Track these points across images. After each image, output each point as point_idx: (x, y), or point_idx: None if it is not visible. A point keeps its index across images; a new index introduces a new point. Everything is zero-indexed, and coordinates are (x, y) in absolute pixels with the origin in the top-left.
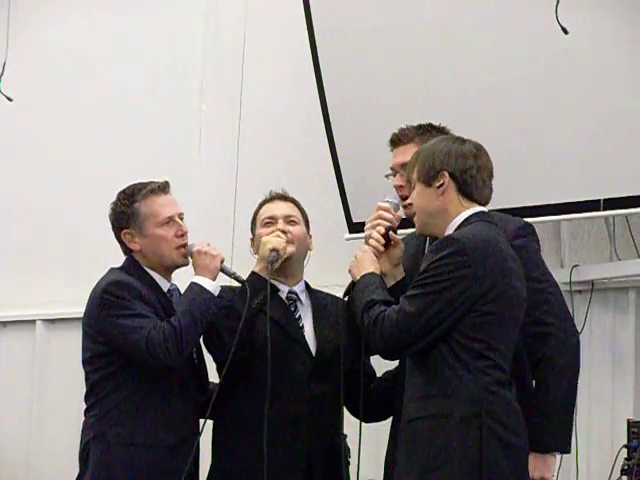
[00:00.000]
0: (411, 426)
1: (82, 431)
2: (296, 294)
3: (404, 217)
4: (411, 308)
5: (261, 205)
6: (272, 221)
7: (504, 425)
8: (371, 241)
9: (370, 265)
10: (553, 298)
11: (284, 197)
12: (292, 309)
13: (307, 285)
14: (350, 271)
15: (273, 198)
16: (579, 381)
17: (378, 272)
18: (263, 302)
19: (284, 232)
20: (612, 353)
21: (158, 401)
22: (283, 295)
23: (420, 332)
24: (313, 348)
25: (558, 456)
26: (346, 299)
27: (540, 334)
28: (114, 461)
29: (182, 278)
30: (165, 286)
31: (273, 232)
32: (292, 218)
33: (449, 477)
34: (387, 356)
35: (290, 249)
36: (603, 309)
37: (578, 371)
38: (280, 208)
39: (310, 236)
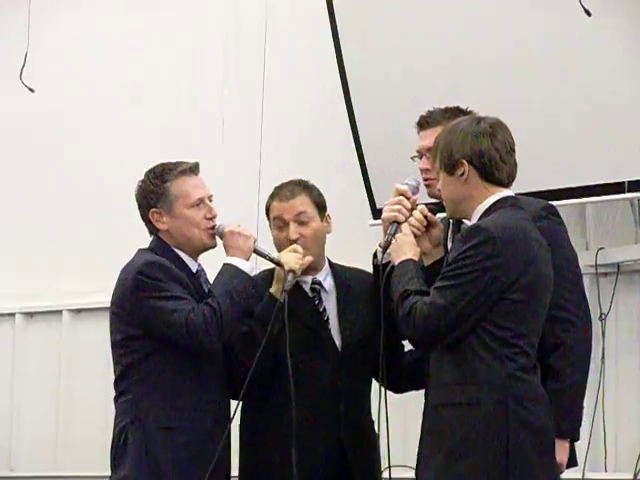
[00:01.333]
0: (437, 412)
1: (116, 416)
2: (320, 283)
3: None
4: (442, 300)
5: (271, 197)
6: (282, 224)
7: (530, 410)
8: (412, 221)
9: (409, 250)
10: (572, 284)
11: (291, 193)
12: (316, 301)
13: (330, 264)
14: (390, 254)
15: (281, 197)
16: (606, 363)
17: (417, 258)
18: (281, 327)
19: (297, 239)
20: (638, 335)
21: (194, 385)
22: (307, 286)
23: (451, 325)
24: (338, 341)
25: (586, 441)
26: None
27: (559, 319)
28: (155, 444)
29: (205, 261)
30: (193, 267)
31: (286, 237)
32: (302, 217)
33: (475, 464)
34: (419, 348)
35: (308, 259)
36: (629, 291)
37: (590, 359)
38: (289, 207)
39: (328, 217)
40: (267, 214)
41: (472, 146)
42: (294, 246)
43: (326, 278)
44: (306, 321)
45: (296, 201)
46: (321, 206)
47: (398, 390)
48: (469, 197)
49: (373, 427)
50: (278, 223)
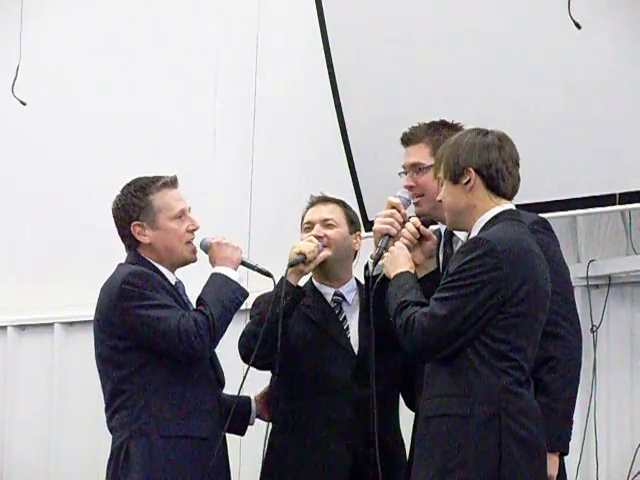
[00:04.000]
0: (430, 423)
1: (113, 431)
2: (342, 296)
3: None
4: (441, 311)
5: (305, 210)
6: (310, 226)
7: (523, 425)
8: (406, 234)
9: (405, 263)
10: (562, 298)
11: (325, 199)
12: (336, 311)
13: (358, 283)
14: (384, 266)
15: (314, 202)
16: (597, 376)
17: (413, 270)
18: (292, 303)
19: (319, 237)
20: (630, 347)
21: (189, 393)
22: (329, 297)
23: (450, 336)
24: (356, 349)
25: (577, 453)
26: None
27: (549, 334)
28: (159, 455)
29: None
30: (172, 280)
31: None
32: (329, 221)
33: (467, 477)
34: (418, 359)
35: (325, 253)
36: (620, 303)
37: (580, 373)
38: (318, 212)
39: (358, 235)
40: (302, 224)
41: (480, 155)
42: (311, 237)
43: (350, 293)
44: (324, 327)
45: (327, 208)
46: (352, 221)
47: (413, 406)
48: (472, 207)
49: (400, 445)
50: (306, 226)
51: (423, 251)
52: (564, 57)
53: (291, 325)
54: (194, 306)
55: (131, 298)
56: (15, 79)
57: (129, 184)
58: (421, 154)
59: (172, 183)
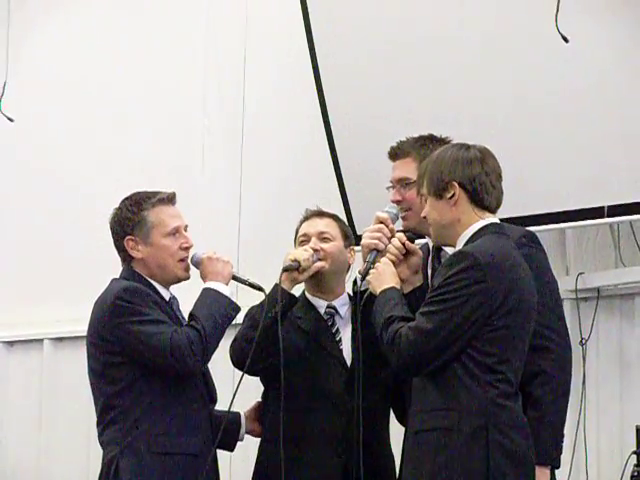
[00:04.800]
0: (418, 438)
1: (104, 446)
2: (335, 308)
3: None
4: (427, 325)
5: (300, 223)
6: (306, 239)
7: (511, 438)
8: (391, 249)
9: (391, 279)
10: (551, 311)
11: (320, 213)
12: (329, 323)
13: (351, 298)
14: (370, 283)
15: (309, 216)
16: (586, 388)
17: (398, 286)
18: (284, 309)
19: (316, 250)
20: (619, 360)
21: (180, 409)
22: (322, 310)
23: (436, 350)
24: (349, 361)
25: (567, 466)
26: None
27: (539, 347)
28: (148, 471)
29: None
30: (166, 295)
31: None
32: (325, 235)
33: None
34: (405, 374)
35: (321, 264)
36: (609, 316)
37: (570, 386)
38: (314, 225)
39: (352, 250)
40: (295, 238)
41: (463, 170)
42: (306, 247)
43: (343, 306)
44: (317, 338)
45: (323, 221)
46: (346, 235)
47: (404, 421)
48: (456, 221)
49: (390, 458)
50: (302, 239)
51: (409, 266)
52: (551, 68)
53: (283, 335)
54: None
55: (123, 314)
56: (2, 96)
57: (126, 198)
58: (408, 168)
59: (169, 200)
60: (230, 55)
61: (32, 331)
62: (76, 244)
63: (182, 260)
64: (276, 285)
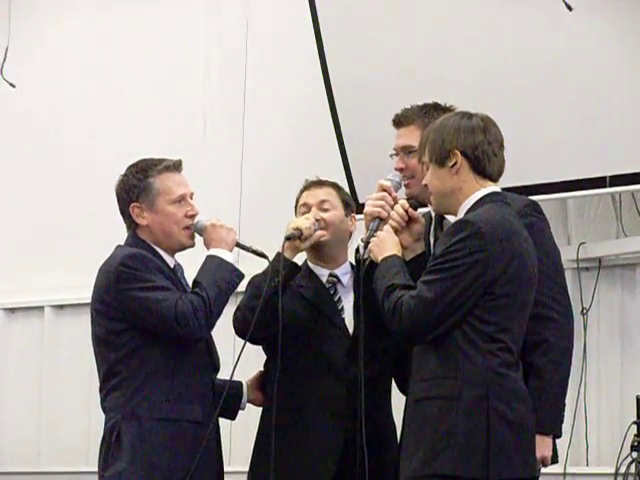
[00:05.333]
0: (419, 406)
1: (107, 412)
2: (337, 277)
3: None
4: (429, 294)
5: (300, 193)
6: (306, 210)
7: (511, 407)
8: (394, 216)
9: (392, 247)
10: (553, 281)
11: (320, 183)
12: (331, 292)
13: (352, 266)
14: (371, 250)
15: (308, 185)
16: (587, 358)
17: (400, 254)
18: (286, 278)
19: (317, 220)
20: (620, 329)
21: (182, 376)
22: (324, 279)
23: (438, 319)
24: (351, 329)
25: (568, 435)
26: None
27: (541, 317)
28: (150, 437)
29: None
30: (171, 263)
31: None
32: (325, 204)
33: (455, 459)
34: (406, 342)
35: (321, 233)
36: (611, 286)
37: (571, 356)
38: (314, 194)
39: (353, 217)
40: (296, 207)
41: (466, 138)
42: (307, 215)
43: (345, 275)
44: (319, 306)
45: (323, 190)
46: (347, 204)
47: (405, 390)
48: (458, 190)
49: (392, 426)
50: (302, 209)
51: (411, 234)
52: (555, 40)
53: (285, 304)
54: None
55: (128, 280)
56: (4, 61)
57: (133, 165)
58: (412, 136)
59: (175, 167)
60: (232, 20)
61: (33, 298)
62: (78, 211)
63: (187, 228)
64: (278, 254)
